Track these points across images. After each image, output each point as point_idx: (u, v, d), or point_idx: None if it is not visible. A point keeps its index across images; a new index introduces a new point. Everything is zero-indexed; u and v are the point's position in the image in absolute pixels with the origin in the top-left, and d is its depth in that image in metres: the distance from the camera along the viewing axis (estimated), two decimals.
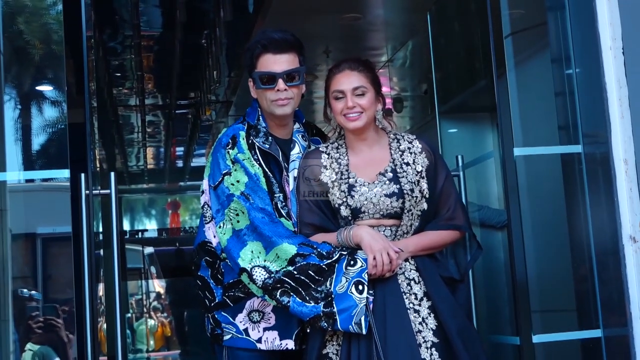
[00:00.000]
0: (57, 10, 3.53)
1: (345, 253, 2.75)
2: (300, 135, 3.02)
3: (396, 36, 6.87)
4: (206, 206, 2.93)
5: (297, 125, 3.04)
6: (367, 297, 2.69)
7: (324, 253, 2.73)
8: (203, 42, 7.03)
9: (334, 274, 2.70)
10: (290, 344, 2.87)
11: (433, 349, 2.76)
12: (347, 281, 2.69)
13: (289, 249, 2.72)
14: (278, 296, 2.71)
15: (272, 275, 2.71)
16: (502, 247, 4.43)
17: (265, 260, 2.72)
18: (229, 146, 2.86)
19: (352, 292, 2.68)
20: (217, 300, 2.90)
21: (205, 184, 2.94)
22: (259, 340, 2.87)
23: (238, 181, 2.81)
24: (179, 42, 6.83)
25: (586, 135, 3.51)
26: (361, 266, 2.71)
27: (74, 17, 3.29)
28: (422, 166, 2.92)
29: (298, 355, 2.90)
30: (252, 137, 2.90)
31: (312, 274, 2.70)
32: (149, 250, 11.78)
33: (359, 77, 2.90)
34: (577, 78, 3.54)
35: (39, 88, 3.60)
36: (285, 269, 2.70)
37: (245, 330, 2.87)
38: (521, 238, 3.40)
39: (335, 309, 2.67)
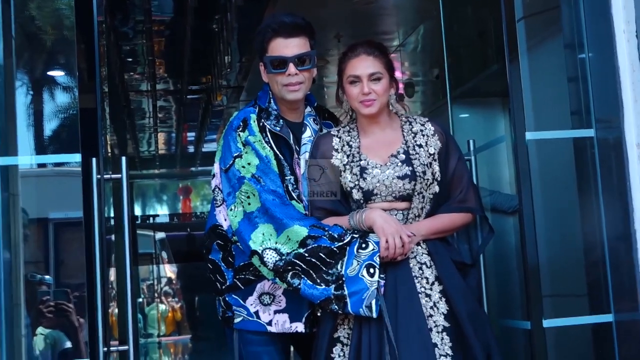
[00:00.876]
0: None
1: (357, 236, 2.74)
2: (311, 119, 3.02)
3: (408, 21, 6.85)
4: (217, 189, 2.93)
5: (308, 109, 3.04)
6: (378, 281, 2.68)
7: (336, 235, 2.72)
8: (214, 27, 7.02)
9: (346, 256, 2.69)
10: (300, 327, 2.88)
11: (444, 333, 2.76)
12: (358, 264, 2.69)
13: (300, 231, 2.71)
14: (289, 279, 2.70)
15: (284, 257, 2.70)
16: (514, 232, 4.42)
17: (276, 243, 2.72)
18: (240, 129, 2.86)
19: (363, 275, 2.68)
20: (228, 283, 2.91)
21: (216, 168, 2.94)
22: (270, 323, 2.88)
23: (249, 163, 2.80)
24: (190, 27, 6.83)
25: (599, 119, 3.49)
26: (373, 249, 2.71)
27: (86, 2, 3.29)
28: (434, 149, 2.92)
29: (308, 338, 2.91)
30: (263, 120, 2.89)
31: (324, 256, 2.69)
32: (160, 235, 11.82)
33: (374, 62, 2.88)
34: (590, 62, 3.52)
35: (50, 73, 3.60)
36: (296, 251, 2.70)
37: (256, 312, 2.88)
38: (532, 222, 3.40)
39: (346, 292, 2.66)
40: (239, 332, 2.91)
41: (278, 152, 2.87)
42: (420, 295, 2.79)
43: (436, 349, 2.72)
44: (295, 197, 2.86)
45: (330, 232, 2.73)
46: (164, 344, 10.20)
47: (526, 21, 3.92)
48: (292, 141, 2.90)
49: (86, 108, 3.34)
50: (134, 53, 7.76)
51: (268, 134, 2.88)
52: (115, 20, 6.50)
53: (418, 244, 2.85)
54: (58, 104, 3.59)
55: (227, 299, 2.92)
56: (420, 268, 2.83)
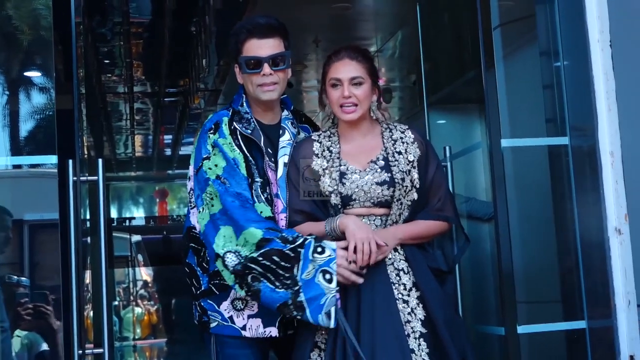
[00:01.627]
0: None
1: (310, 238, 2.71)
2: (289, 122, 3.02)
3: (386, 26, 6.87)
4: (192, 192, 2.93)
5: (285, 112, 3.04)
6: (336, 289, 2.65)
7: (289, 238, 2.69)
8: (192, 30, 7.01)
9: (301, 260, 2.66)
10: (274, 331, 2.86)
11: (421, 339, 2.76)
12: (314, 268, 2.66)
13: (256, 233, 2.68)
14: (250, 281, 2.67)
15: (241, 261, 2.68)
16: (489, 239, 4.45)
17: (236, 245, 2.70)
18: (212, 131, 2.86)
19: (319, 281, 2.64)
20: (203, 288, 2.89)
21: (191, 170, 2.93)
22: (244, 328, 2.85)
23: (216, 165, 2.80)
24: (168, 29, 6.81)
25: (573, 127, 3.52)
26: (329, 255, 2.68)
27: (64, 2, 3.27)
28: (413, 156, 2.92)
29: (287, 341, 2.90)
30: (235, 123, 2.89)
31: (277, 259, 2.66)
32: (136, 238, 11.75)
33: (357, 66, 2.89)
34: (565, 70, 3.56)
35: (27, 74, 3.58)
36: (252, 254, 2.68)
37: (230, 317, 2.85)
38: (507, 229, 3.42)
39: (303, 298, 2.64)
40: (216, 336, 2.89)
41: (248, 155, 2.87)
42: (397, 301, 2.79)
43: (413, 354, 2.72)
44: (263, 199, 2.85)
45: (283, 235, 2.71)
46: (139, 347, 10.15)
47: (502, 29, 3.95)
48: (262, 144, 2.89)
49: (63, 109, 3.33)
50: (112, 55, 7.72)
51: (239, 136, 2.87)
52: (93, 22, 6.48)
53: (395, 249, 2.85)
54: (34, 104, 3.57)
55: (202, 303, 2.89)
56: (398, 274, 2.83)
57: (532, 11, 3.82)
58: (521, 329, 3.41)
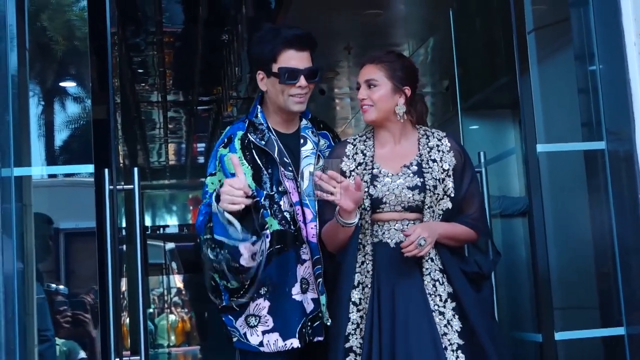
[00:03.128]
0: (79, 6, 3.55)
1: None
2: (309, 131, 3.03)
3: (417, 32, 6.86)
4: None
5: (304, 122, 3.05)
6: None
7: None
8: (224, 39, 7.04)
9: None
10: (295, 342, 2.82)
11: (459, 351, 2.74)
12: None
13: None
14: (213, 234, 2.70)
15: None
16: (524, 244, 4.42)
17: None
18: (223, 145, 2.90)
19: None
20: (224, 304, 2.87)
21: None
22: (261, 344, 2.82)
23: (220, 181, 2.83)
24: (201, 38, 6.85)
25: (610, 131, 3.48)
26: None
27: (99, 13, 3.31)
28: (449, 165, 2.91)
29: (313, 349, 2.87)
30: (249, 134, 2.92)
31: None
32: (170, 245, 11.82)
33: (374, 70, 2.91)
34: (601, 74, 3.52)
35: (62, 84, 3.62)
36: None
37: (245, 334, 2.84)
38: (544, 235, 3.39)
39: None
40: (239, 350, 2.92)
41: (262, 167, 2.88)
42: (434, 313, 2.77)
43: None
44: (271, 213, 2.85)
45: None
46: (174, 354, 10.20)
47: (536, 33, 3.92)
48: (276, 155, 2.89)
49: (99, 119, 3.36)
50: (145, 64, 7.79)
51: (253, 148, 2.90)
52: (126, 32, 6.54)
53: (432, 259, 2.84)
54: (69, 114, 3.61)
55: (223, 318, 2.90)
56: (434, 285, 2.81)
57: (566, 14, 3.79)
58: (558, 336, 3.37)
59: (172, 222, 15.42)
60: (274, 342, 2.81)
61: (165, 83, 8.39)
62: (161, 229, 13.44)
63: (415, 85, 2.97)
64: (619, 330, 3.42)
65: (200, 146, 11.94)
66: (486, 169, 3.76)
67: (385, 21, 6.34)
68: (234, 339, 2.88)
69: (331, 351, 2.83)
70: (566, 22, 3.81)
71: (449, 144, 2.95)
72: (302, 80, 2.89)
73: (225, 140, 2.91)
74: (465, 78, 5.03)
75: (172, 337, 10.38)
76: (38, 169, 3.36)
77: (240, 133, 2.91)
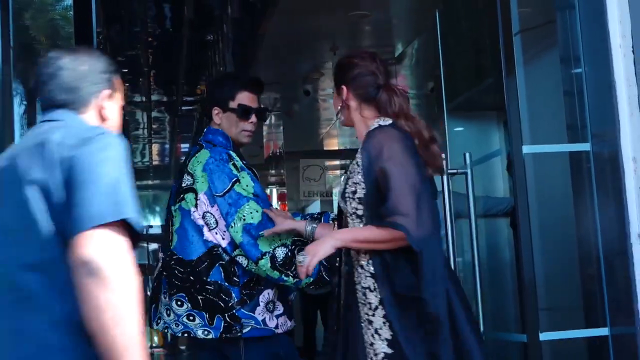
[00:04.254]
0: (62, 6, 3.53)
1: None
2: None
3: (403, 34, 6.87)
4: (208, 215, 3.16)
5: None
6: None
7: None
8: (210, 39, 7.04)
9: None
10: (293, 323, 3.32)
11: None
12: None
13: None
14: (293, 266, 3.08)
15: (290, 247, 3.12)
16: (508, 244, 4.43)
17: (280, 240, 3.13)
18: (230, 161, 3.21)
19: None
20: (236, 299, 3.14)
21: (202, 197, 3.17)
22: (277, 326, 3.20)
23: (247, 186, 3.18)
24: (186, 38, 6.84)
25: (595, 133, 3.50)
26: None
27: (84, 13, 3.29)
28: (359, 164, 2.75)
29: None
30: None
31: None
32: (153, 246, 11.76)
33: (334, 79, 2.94)
34: (586, 76, 3.53)
35: None
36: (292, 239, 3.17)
37: (264, 320, 3.17)
38: (529, 236, 3.40)
39: None
40: (246, 340, 3.17)
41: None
42: (363, 323, 2.68)
43: None
44: None
45: None
46: (157, 355, 10.17)
47: (522, 35, 3.94)
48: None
49: None
50: (129, 64, 7.76)
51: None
52: (111, 31, 6.51)
53: (362, 267, 2.71)
54: None
55: (236, 314, 3.12)
56: (364, 294, 2.69)
57: (552, 17, 3.80)
58: (543, 336, 3.38)
59: (155, 222, 15.37)
60: (283, 322, 3.23)
61: (149, 83, 8.37)
62: (144, 230, 13.39)
63: (352, 82, 2.84)
64: (603, 331, 3.44)
65: (184, 146, 11.91)
66: (471, 170, 3.76)
67: (371, 22, 6.34)
68: (246, 330, 3.14)
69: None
70: (552, 24, 3.83)
71: (362, 143, 2.78)
72: (254, 118, 3.36)
73: (226, 156, 3.22)
74: (451, 79, 5.04)
75: (155, 338, 10.36)
76: None
77: (232, 153, 3.27)
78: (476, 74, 4.80)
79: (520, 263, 3.44)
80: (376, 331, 2.64)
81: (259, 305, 3.18)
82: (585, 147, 3.53)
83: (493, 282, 4.37)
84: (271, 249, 3.09)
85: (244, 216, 3.10)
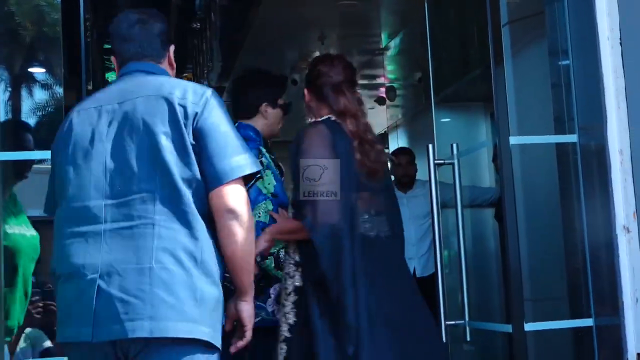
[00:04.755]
0: None
1: None
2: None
3: (392, 24, 6.86)
4: None
5: None
6: None
7: None
8: (196, 27, 7.00)
9: None
10: None
11: (284, 344, 2.88)
12: None
13: None
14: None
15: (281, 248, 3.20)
16: (493, 235, 4.45)
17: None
18: (260, 157, 3.32)
19: None
20: None
21: None
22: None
23: (269, 184, 3.30)
24: (173, 25, 6.80)
25: (582, 125, 3.51)
26: None
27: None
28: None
29: None
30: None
31: None
32: None
33: None
34: (574, 68, 3.54)
35: (30, 70, 3.57)
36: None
37: (273, 312, 3.28)
38: (515, 227, 3.40)
39: None
40: (255, 329, 3.22)
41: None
42: (280, 305, 2.94)
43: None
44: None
45: None
46: None
47: (511, 26, 3.94)
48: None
49: (71, 105, 3.31)
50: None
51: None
52: (97, 18, 6.46)
53: (288, 253, 2.97)
54: (37, 100, 3.57)
55: None
56: (285, 279, 2.95)
57: (541, 8, 3.80)
58: (528, 327, 3.39)
59: None
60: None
61: None
62: None
63: (310, 84, 3.15)
64: (588, 322, 3.46)
65: None
66: (459, 160, 3.76)
67: (359, 12, 6.32)
68: (256, 319, 3.25)
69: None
70: (540, 15, 3.83)
71: None
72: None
73: (257, 152, 3.34)
74: (439, 70, 5.04)
75: None
76: (6, 154, 3.30)
77: (262, 149, 3.41)
78: (464, 65, 4.80)
79: (506, 254, 3.45)
80: (284, 315, 2.90)
81: (269, 297, 3.29)
82: (572, 138, 3.54)
83: (478, 272, 4.38)
84: (275, 251, 3.20)
85: (259, 214, 3.20)
